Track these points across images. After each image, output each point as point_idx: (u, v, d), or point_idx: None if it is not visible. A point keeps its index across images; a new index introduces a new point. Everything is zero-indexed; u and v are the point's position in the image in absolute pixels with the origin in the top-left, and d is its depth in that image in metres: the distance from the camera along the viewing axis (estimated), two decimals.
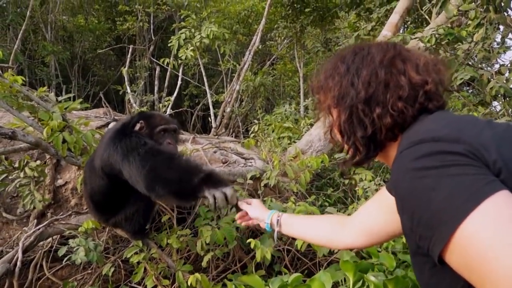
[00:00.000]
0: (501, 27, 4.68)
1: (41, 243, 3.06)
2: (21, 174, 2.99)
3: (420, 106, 1.03)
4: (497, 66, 4.90)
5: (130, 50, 6.91)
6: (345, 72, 1.10)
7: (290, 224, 1.61)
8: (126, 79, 6.17)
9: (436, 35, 3.71)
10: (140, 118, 2.35)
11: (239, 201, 1.77)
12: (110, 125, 3.89)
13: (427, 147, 0.84)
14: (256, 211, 1.71)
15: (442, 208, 0.76)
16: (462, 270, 0.76)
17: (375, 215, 1.35)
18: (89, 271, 2.84)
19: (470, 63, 4.58)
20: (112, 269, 2.83)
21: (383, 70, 1.05)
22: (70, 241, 2.38)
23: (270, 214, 1.66)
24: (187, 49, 5.25)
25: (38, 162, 3.18)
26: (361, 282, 1.87)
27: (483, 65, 5.69)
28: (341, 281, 2.09)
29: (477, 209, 0.72)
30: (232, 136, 6.45)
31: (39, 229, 2.66)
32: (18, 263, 2.44)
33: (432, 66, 1.08)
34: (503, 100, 4.18)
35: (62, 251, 2.41)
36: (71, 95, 3.14)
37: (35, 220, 2.99)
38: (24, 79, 3.17)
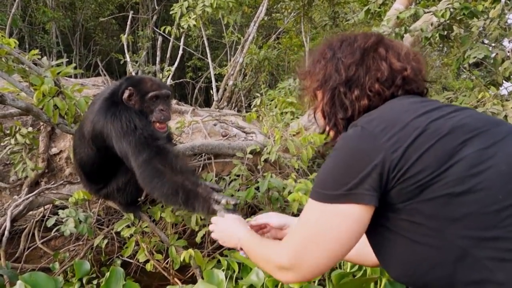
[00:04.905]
0: None
1: (34, 212, 2.98)
2: (12, 141, 2.88)
3: (396, 88, 1.10)
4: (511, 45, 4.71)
5: (130, 17, 6.70)
6: (331, 57, 1.17)
7: None
8: (125, 46, 5.98)
9: (451, 9, 3.52)
10: (128, 84, 2.15)
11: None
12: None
13: (352, 133, 1.00)
14: (277, 218, 1.50)
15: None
16: None
17: None
18: (81, 243, 2.76)
19: (485, 41, 4.40)
20: (106, 241, 2.75)
21: (366, 55, 1.12)
22: (60, 211, 2.29)
23: None
24: (189, 17, 5.04)
25: (31, 129, 3.07)
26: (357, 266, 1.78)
27: (497, 44, 5.48)
28: (338, 264, 2.00)
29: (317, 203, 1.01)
30: (234, 111, 6.31)
31: (28, 198, 2.56)
32: (6, 233, 2.36)
33: (413, 56, 1.15)
34: None
35: (51, 221, 2.32)
36: (62, 60, 2.99)
37: (26, 189, 2.90)
38: (16, 41, 3.02)
